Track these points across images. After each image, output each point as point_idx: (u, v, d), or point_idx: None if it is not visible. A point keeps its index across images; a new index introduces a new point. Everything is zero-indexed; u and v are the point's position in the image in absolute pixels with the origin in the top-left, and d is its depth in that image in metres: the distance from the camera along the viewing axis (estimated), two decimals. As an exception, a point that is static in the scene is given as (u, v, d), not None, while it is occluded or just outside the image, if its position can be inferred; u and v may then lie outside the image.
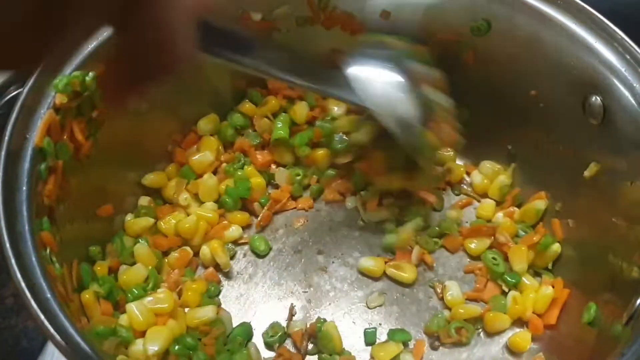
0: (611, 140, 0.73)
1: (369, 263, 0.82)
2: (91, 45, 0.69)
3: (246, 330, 0.77)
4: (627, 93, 0.70)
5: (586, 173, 0.76)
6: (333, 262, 0.83)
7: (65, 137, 0.68)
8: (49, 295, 0.55)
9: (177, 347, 0.71)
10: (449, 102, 0.81)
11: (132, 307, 0.71)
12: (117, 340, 0.69)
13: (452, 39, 0.83)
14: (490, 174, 0.88)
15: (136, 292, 0.74)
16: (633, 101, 0.70)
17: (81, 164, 0.72)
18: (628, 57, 0.71)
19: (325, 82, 0.74)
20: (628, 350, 0.60)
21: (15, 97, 0.69)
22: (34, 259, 0.57)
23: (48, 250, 0.61)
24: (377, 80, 0.76)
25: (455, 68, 0.84)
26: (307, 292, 0.81)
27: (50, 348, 0.82)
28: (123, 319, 0.71)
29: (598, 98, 0.73)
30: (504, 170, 0.89)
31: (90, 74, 0.69)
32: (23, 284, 0.54)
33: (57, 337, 0.54)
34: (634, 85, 0.70)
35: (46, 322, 0.54)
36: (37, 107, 0.65)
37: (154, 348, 0.69)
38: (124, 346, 0.69)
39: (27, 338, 0.85)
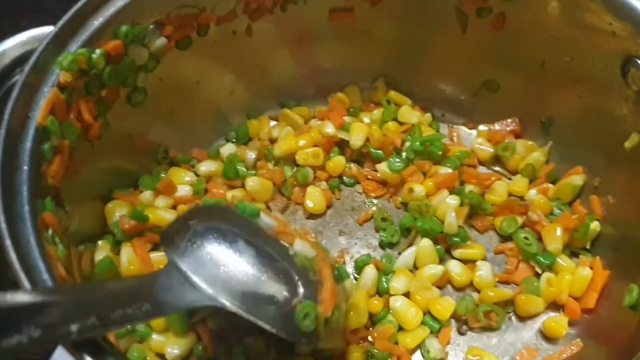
0: (653, 108, 0.69)
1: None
2: (97, 21, 0.67)
3: None
4: (669, 58, 0.66)
5: (627, 144, 0.72)
6: (355, 244, 0.80)
7: (71, 116, 0.66)
8: (46, 277, 0.53)
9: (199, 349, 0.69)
10: (320, 248, 0.71)
11: None
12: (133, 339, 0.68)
13: (480, 4, 0.79)
14: (523, 152, 0.83)
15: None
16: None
17: (92, 146, 0.70)
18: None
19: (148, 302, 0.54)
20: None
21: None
22: (32, 239, 0.55)
23: (50, 231, 0.60)
24: (224, 264, 0.59)
25: (483, 35, 0.80)
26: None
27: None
28: None
29: (639, 61, 0.68)
30: (539, 147, 0.84)
31: (97, 51, 0.67)
32: (17, 265, 0.52)
33: None
34: (677, 49, 0.65)
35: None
36: (40, 86, 0.63)
37: (174, 352, 0.68)
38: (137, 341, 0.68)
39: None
